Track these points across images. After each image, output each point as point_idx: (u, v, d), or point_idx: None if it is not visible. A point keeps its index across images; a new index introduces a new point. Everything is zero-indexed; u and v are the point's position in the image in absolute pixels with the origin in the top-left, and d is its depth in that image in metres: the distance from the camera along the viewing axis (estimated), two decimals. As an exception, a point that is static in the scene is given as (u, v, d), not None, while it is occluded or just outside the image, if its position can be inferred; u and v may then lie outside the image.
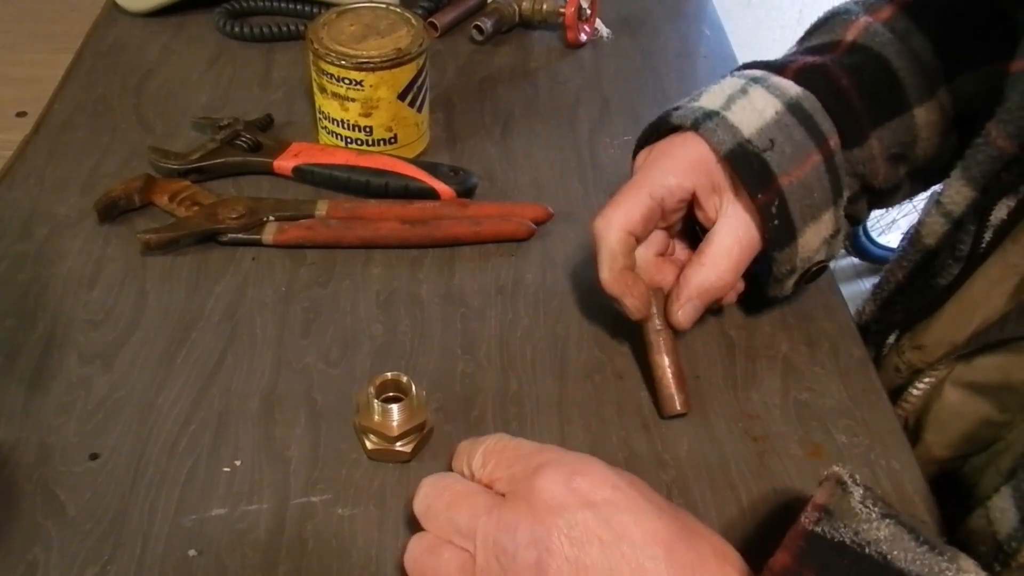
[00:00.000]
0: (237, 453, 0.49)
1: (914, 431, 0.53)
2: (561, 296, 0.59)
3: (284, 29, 0.80)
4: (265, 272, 0.59)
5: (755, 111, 0.50)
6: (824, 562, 0.34)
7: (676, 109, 0.52)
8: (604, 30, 0.85)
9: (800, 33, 0.61)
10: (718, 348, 0.56)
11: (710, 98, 0.52)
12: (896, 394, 0.55)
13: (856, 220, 0.58)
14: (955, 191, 0.49)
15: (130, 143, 0.69)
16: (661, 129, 0.53)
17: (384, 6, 0.67)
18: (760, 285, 0.55)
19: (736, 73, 0.54)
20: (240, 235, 0.60)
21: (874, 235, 2.18)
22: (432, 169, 0.65)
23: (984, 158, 0.47)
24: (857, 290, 2.19)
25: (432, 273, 0.60)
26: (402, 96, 0.65)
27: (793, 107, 0.51)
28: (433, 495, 0.41)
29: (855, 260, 2.22)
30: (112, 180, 0.64)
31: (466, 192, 0.65)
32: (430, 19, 0.82)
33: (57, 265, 0.59)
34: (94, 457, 0.48)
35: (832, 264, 0.61)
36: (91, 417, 0.50)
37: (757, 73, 0.53)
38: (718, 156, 0.50)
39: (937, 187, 0.55)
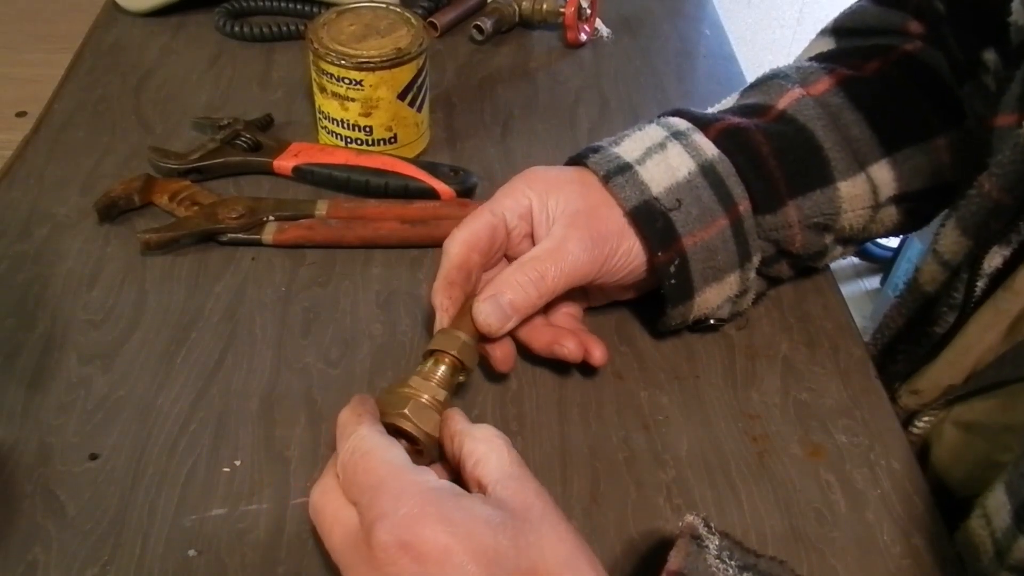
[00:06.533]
0: (237, 453, 0.49)
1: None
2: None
3: (284, 29, 0.80)
4: (265, 272, 0.59)
5: (668, 169, 0.51)
6: None
7: (595, 151, 0.53)
8: (604, 30, 0.85)
9: (800, 33, 0.62)
10: (718, 348, 0.56)
11: (630, 146, 0.53)
12: None
13: (778, 281, 0.58)
14: (951, 240, 0.49)
15: (130, 143, 0.69)
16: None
17: (384, 6, 0.67)
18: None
19: (661, 121, 0.54)
20: (240, 235, 0.60)
21: (875, 235, 2.18)
22: (432, 169, 0.65)
23: (978, 209, 0.47)
24: (857, 290, 2.19)
25: (432, 273, 0.59)
26: (402, 96, 0.65)
27: (706, 170, 0.51)
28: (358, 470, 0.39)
29: (855, 260, 2.22)
30: (112, 180, 0.64)
31: (466, 192, 0.65)
32: (430, 19, 0.82)
33: (57, 265, 0.59)
34: (94, 457, 0.48)
35: (832, 264, 0.61)
36: (91, 417, 0.50)
37: (682, 127, 0.53)
38: (624, 211, 0.50)
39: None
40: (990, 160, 0.46)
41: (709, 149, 0.52)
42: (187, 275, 0.59)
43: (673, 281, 0.51)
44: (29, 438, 0.49)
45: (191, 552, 0.44)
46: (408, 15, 0.67)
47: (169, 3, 0.82)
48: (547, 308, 0.53)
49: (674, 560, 0.36)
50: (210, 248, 0.61)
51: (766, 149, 0.52)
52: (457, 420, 0.43)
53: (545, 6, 0.83)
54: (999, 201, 0.46)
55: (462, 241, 0.49)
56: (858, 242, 0.58)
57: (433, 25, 0.82)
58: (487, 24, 0.82)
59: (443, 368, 0.46)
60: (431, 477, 0.38)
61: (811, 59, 0.59)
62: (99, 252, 0.60)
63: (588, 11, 0.83)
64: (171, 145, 0.67)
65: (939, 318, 0.52)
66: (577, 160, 0.53)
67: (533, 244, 0.51)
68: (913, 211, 0.56)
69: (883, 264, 2.15)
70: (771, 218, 0.53)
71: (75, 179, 0.65)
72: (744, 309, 0.56)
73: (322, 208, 0.62)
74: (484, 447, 0.40)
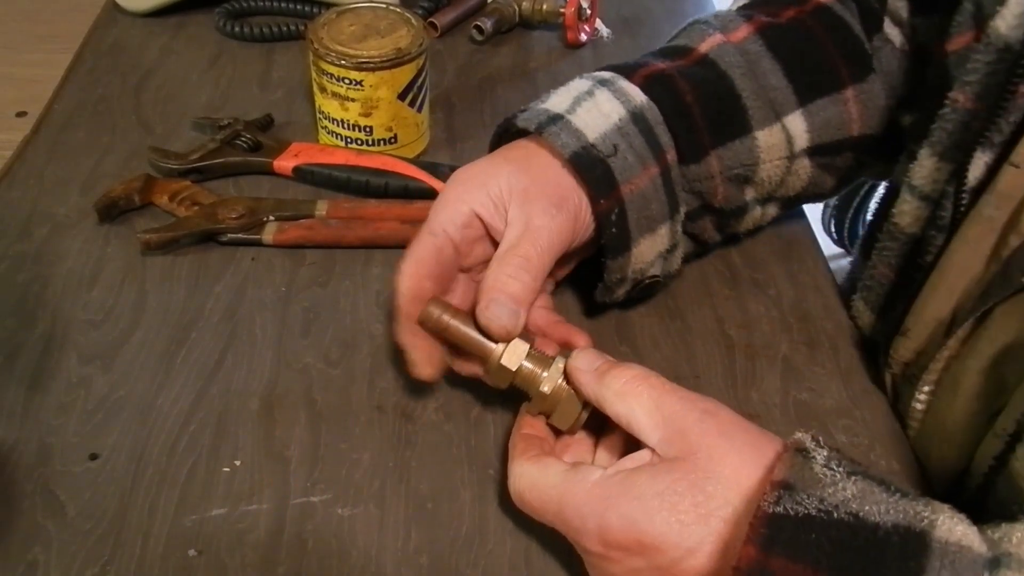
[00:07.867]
0: (237, 453, 0.49)
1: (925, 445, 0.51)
2: (560, 295, 0.59)
3: (284, 29, 0.80)
4: (265, 272, 0.59)
5: (600, 115, 0.50)
6: (791, 542, 0.34)
7: (523, 111, 0.52)
8: (604, 30, 0.85)
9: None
10: (718, 348, 0.56)
11: (557, 100, 0.52)
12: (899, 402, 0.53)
13: (703, 242, 0.58)
14: (927, 169, 0.49)
15: (130, 143, 0.69)
16: (510, 131, 0.52)
17: (384, 6, 0.67)
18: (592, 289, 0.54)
19: (585, 76, 0.54)
20: (240, 235, 0.60)
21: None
22: (432, 169, 0.65)
23: (954, 126, 0.47)
24: (857, 290, 2.19)
25: (432, 273, 0.60)
26: (402, 96, 0.65)
27: (636, 116, 0.51)
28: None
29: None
30: (112, 180, 0.64)
31: (466, 192, 0.65)
32: (430, 19, 0.82)
33: (57, 265, 0.59)
34: (94, 457, 0.48)
35: (832, 265, 0.61)
36: (91, 417, 0.50)
37: (606, 75, 0.53)
38: (562, 160, 0.48)
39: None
40: (954, 83, 0.46)
41: (637, 95, 0.52)
42: (187, 275, 0.59)
43: (613, 230, 0.49)
44: (29, 438, 0.49)
45: (191, 552, 0.44)
46: (408, 15, 0.67)
47: (169, 3, 0.82)
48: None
49: (778, 471, 0.36)
50: (210, 248, 0.61)
51: (689, 97, 0.52)
52: (586, 387, 0.43)
53: (545, 6, 0.83)
54: (975, 111, 0.46)
55: (410, 274, 0.47)
56: (778, 201, 0.58)
57: (433, 25, 0.82)
58: (487, 24, 0.82)
59: (530, 363, 0.45)
60: (594, 475, 0.40)
61: (734, 9, 0.59)
62: (99, 252, 0.60)
63: (588, 11, 0.83)
64: (171, 145, 0.67)
65: (929, 244, 0.50)
66: (507, 127, 0.52)
67: (492, 243, 0.49)
68: (824, 166, 0.57)
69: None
70: (695, 168, 0.52)
71: (75, 179, 0.65)
72: (675, 269, 0.55)
73: (322, 208, 0.62)
74: (623, 409, 0.41)
